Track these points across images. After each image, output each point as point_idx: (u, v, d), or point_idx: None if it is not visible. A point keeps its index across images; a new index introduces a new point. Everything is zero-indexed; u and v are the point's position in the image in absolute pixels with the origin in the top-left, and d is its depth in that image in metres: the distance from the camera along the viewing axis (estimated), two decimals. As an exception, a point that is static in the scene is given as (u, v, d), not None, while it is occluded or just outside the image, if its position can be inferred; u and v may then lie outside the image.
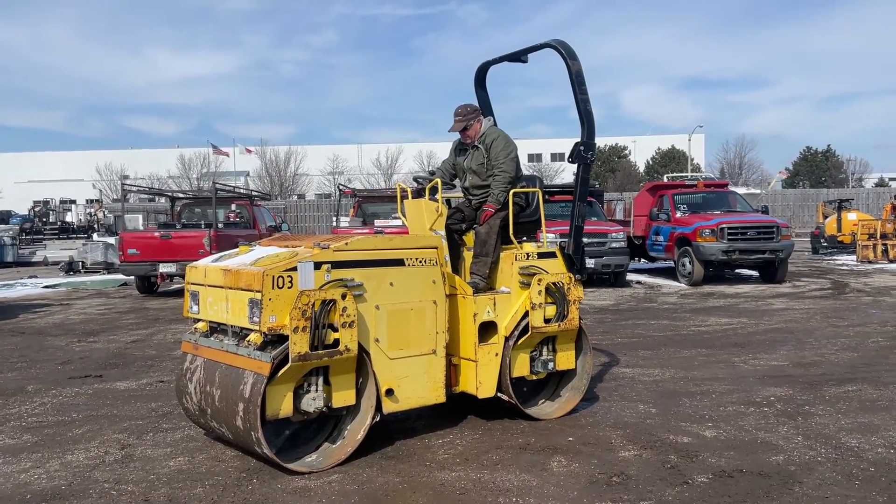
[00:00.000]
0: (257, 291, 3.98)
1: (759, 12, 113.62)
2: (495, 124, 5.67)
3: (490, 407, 5.19)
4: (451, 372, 4.94)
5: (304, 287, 4.05)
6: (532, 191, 5.55)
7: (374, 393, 4.35)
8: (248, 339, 4.13)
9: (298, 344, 3.92)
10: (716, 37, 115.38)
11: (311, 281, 4.09)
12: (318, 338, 3.99)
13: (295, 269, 4.06)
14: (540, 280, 5.01)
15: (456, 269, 5.34)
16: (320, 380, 4.15)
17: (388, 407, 4.44)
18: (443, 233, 5.18)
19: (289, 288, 4.02)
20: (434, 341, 4.65)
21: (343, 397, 4.24)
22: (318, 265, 4.14)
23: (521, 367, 5.07)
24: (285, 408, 4.05)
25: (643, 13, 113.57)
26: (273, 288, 3.97)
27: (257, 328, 4.01)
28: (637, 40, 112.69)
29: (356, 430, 4.34)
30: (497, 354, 4.93)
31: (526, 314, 4.99)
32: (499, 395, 4.96)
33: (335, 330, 4.07)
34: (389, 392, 4.43)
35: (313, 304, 3.97)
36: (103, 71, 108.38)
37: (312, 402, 4.11)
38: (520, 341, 4.99)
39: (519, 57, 5.77)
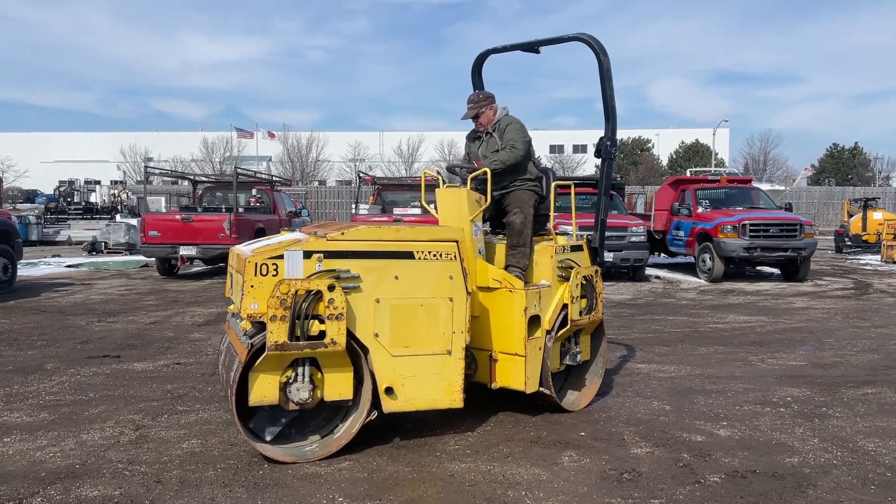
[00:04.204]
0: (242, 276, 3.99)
1: (789, 8, 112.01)
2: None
3: (502, 399, 5.17)
4: (491, 367, 4.86)
5: (291, 276, 3.96)
6: (565, 183, 5.62)
7: (371, 389, 4.22)
8: (241, 324, 4.15)
9: (275, 333, 3.85)
10: (746, 31, 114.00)
11: (300, 270, 3.99)
12: (301, 328, 3.91)
13: (282, 256, 3.98)
14: (577, 273, 5.02)
15: None
16: (306, 370, 4.09)
17: (389, 406, 4.24)
18: (479, 224, 5.00)
19: (273, 276, 3.95)
20: (449, 341, 4.35)
21: (336, 391, 4.15)
22: (308, 254, 4.02)
23: (555, 360, 5.07)
24: (270, 395, 4.02)
25: (674, 6, 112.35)
26: (255, 275, 3.92)
27: (241, 314, 4.03)
28: (667, 33, 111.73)
29: (351, 426, 4.26)
30: (540, 348, 4.88)
31: (564, 307, 4.98)
32: (540, 389, 4.91)
33: (322, 321, 3.97)
34: (389, 390, 4.23)
35: (295, 294, 3.87)
36: (135, 53, 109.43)
37: (297, 392, 4.07)
38: (557, 334, 4.99)
39: (533, 47, 5.62)
